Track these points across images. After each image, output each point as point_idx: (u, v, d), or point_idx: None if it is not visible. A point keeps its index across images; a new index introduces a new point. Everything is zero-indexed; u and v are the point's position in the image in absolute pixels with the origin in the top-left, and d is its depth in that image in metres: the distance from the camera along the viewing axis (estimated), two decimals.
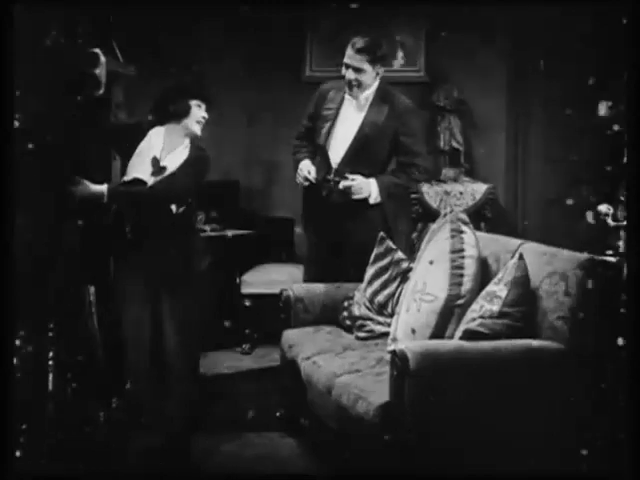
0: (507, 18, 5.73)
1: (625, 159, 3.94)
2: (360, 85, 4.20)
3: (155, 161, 3.62)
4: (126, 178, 3.64)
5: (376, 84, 4.24)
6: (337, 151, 4.26)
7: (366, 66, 4.16)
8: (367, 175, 4.19)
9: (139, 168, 3.62)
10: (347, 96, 4.27)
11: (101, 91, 3.54)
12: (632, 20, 3.00)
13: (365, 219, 4.21)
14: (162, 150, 3.67)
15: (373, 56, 4.15)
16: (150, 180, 3.61)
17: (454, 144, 5.93)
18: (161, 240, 3.64)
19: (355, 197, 4.17)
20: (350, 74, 4.18)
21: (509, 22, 5.79)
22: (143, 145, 3.67)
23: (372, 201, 4.20)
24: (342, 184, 4.16)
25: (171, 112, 3.72)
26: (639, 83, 2.96)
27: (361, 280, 4.02)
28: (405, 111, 4.25)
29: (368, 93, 4.24)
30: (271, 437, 3.91)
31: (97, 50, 3.51)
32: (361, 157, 4.20)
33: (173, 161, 3.66)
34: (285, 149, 5.10)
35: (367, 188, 4.18)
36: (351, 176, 4.16)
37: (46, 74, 3.08)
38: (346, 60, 4.19)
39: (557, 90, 5.75)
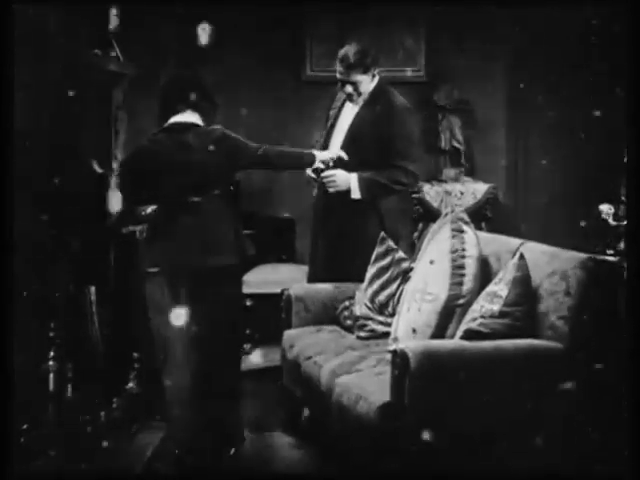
0: (507, 18, 5.73)
1: (625, 159, 3.94)
2: (360, 94, 4.20)
3: None
4: None
5: (374, 83, 4.23)
6: (334, 148, 4.27)
7: (360, 77, 4.14)
8: (351, 170, 4.13)
9: None
10: None
11: None
12: (632, 20, 3.00)
13: (361, 218, 4.19)
14: None
15: (364, 66, 4.12)
16: None
17: (455, 144, 5.93)
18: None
19: (331, 190, 4.13)
20: (348, 88, 4.18)
21: (509, 22, 5.79)
22: None
23: (353, 196, 4.14)
24: (317, 175, 4.15)
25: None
26: (639, 82, 2.95)
27: (362, 280, 4.01)
28: (398, 112, 4.18)
29: (368, 90, 4.23)
30: (271, 437, 3.91)
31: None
32: (352, 154, 4.19)
33: None
34: None
35: (344, 182, 4.12)
36: (330, 170, 4.13)
37: (46, 73, 3.08)
38: (339, 77, 4.18)
39: (557, 90, 5.75)
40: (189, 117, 3.54)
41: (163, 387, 3.51)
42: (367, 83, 4.18)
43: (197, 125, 3.54)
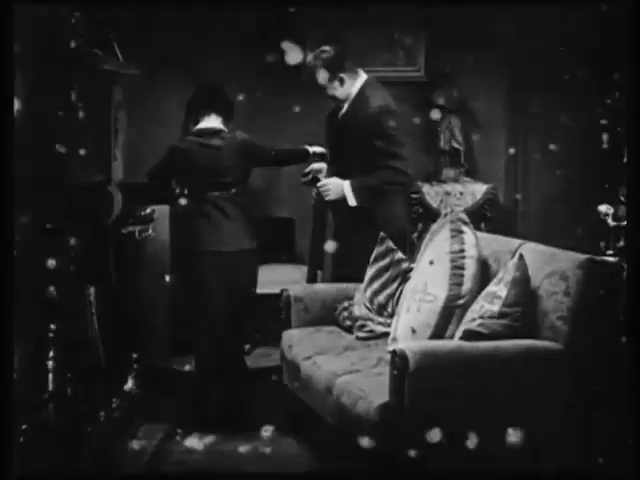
0: (507, 18, 5.73)
1: (625, 159, 3.94)
2: (335, 97, 4.22)
3: None
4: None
5: (358, 84, 4.20)
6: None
7: (326, 84, 4.18)
8: (344, 176, 4.13)
9: None
10: None
11: None
12: (632, 19, 3.00)
13: (359, 219, 4.18)
14: None
15: (325, 76, 4.16)
16: None
17: (454, 144, 5.93)
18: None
19: (327, 199, 4.17)
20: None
21: (509, 22, 5.79)
22: None
23: (350, 203, 4.12)
24: (309, 181, 4.30)
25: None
26: (639, 82, 2.95)
27: (361, 280, 4.01)
28: (375, 113, 4.10)
29: (352, 92, 4.22)
30: (271, 437, 3.91)
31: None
32: (341, 155, 4.23)
33: None
34: None
35: (338, 190, 4.12)
36: (324, 180, 4.18)
37: (46, 73, 3.09)
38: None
39: (557, 90, 5.76)
40: (214, 121, 4.18)
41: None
42: (336, 89, 4.19)
43: (222, 130, 4.16)
